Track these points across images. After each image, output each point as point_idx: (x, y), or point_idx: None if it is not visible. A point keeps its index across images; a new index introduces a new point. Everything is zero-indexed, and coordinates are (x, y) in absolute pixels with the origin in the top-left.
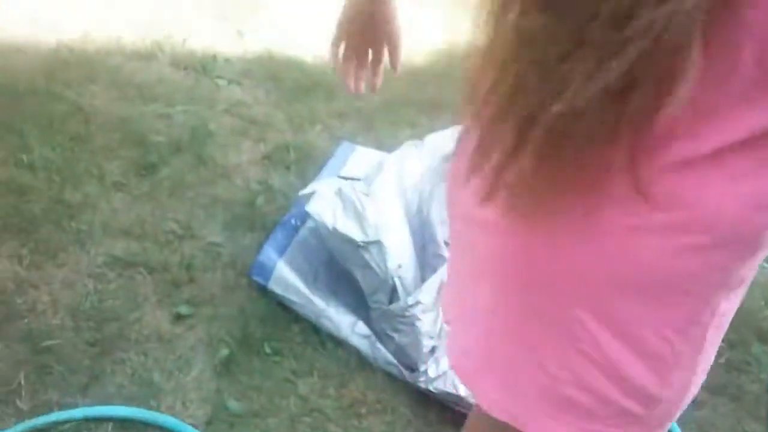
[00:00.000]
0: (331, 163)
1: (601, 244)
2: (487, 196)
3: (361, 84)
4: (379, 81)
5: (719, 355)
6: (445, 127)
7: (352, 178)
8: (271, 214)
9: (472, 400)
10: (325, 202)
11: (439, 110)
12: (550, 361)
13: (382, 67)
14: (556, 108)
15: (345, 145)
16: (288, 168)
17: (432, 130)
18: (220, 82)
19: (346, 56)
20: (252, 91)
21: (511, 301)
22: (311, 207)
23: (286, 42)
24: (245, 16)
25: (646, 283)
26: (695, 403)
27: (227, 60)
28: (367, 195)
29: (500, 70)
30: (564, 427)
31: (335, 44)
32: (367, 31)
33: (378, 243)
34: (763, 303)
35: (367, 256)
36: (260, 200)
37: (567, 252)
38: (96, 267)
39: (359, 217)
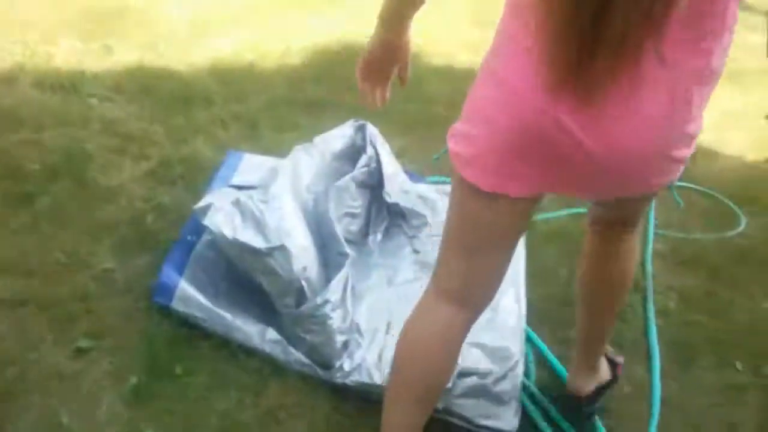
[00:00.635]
0: (221, 173)
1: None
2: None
3: (378, 100)
4: (389, 95)
5: None
6: (328, 126)
7: (245, 187)
8: (163, 232)
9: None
10: (222, 214)
11: (319, 110)
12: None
13: (390, 83)
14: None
15: (232, 154)
16: (175, 183)
17: (314, 129)
18: (91, 100)
19: (365, 78)
20: (126, 107)
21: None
22: (209, 220)
23: (156, 54)
24: (111, 30)
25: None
26: None
27: (96, 76)
28: (264, 202)
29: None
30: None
31: (362, 70)
32: (386, 58)
33: (281, 248)
34: None
35: (271, 262)
36: (150, 219)
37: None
38: None
39: (259, 225)
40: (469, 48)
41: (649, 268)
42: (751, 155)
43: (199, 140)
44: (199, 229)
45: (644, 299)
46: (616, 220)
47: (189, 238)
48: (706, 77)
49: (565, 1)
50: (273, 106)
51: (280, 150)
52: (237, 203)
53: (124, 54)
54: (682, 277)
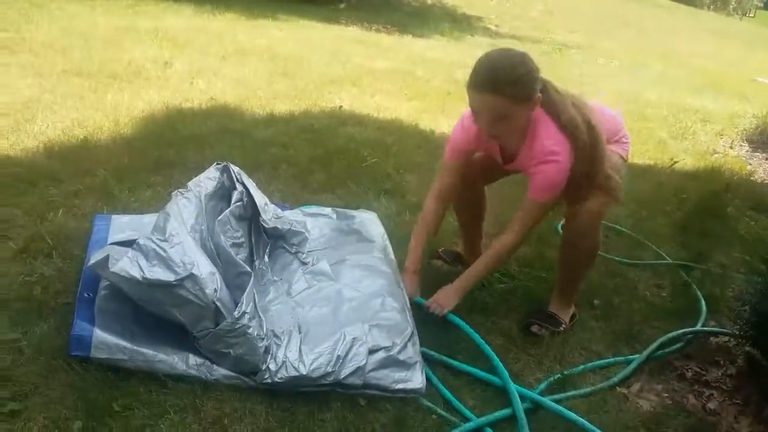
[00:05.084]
0: (95, 237)
1: None
2: None
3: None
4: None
5: None
6: (181, 180)
7: (125, 242)
8: (54, 300)
9: (313, 375)
10: (126, 259)
11: (168, 168)
12: None
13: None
14: None
15: (100, 217)
16: (50, 255)
17: (169, 185)
18: None
19: None
20: None
21: None
22: (115, 268)
23: None
24: None
25: None
26: None
27: None
28: (164, 240)
29: None
30: None
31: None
32: None
33: (190, 276)
34: None
35: (183, 292)
36: (37, 290)
37: None
38: None
39: (164, 261)
40: (283, 98)
41: None
42: None
43: (59, 214)
44: (94, 286)
45: None
46: None
47: (86, 295)
48: None
49: None
50: (122, 172)
51: (141, 209)
52: (138, 247)
53: None
54: None
